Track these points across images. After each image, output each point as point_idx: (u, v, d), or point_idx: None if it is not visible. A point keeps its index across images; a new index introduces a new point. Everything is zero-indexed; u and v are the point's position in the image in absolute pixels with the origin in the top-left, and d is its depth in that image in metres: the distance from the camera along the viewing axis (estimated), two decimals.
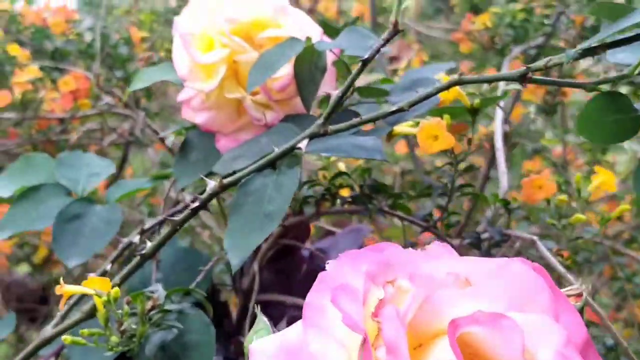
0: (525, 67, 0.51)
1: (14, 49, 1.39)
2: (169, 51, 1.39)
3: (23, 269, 1.86)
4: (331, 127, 0.57)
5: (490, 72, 1.44)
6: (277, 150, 0.58)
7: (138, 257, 0.61)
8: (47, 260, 1.82)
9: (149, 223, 0.72)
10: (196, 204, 0.59)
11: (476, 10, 2.52)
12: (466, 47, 1.34)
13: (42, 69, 1.31)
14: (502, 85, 0.84)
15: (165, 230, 0.62)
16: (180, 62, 0.68)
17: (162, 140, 0.87)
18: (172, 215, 0.71)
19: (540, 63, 0.50)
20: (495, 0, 1.90)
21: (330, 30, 0.77)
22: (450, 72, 0.79)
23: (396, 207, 0.72)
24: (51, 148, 1.52)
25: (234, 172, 0.59)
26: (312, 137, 0.57)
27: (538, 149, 1.18)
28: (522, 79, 0.52)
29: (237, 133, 0.71)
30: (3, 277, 2.00)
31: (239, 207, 0.57)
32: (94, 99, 1.39)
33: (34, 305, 1.96)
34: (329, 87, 0.72)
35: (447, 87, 0.53)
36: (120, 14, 1.76)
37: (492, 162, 0.86)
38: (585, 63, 1.20)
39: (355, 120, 0.56)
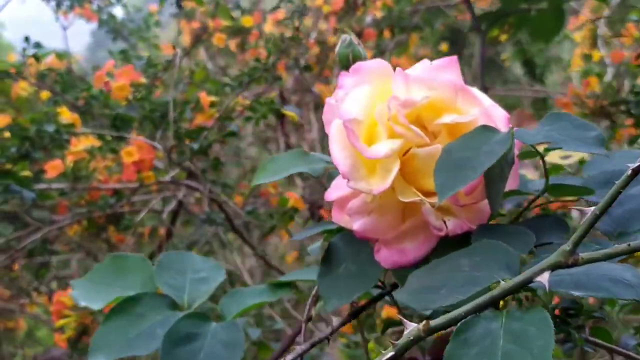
0: None
1: (64, 113, 1.27)
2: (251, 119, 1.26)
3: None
4: (583, 256, 0.43)
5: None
6: (504, 285, 0.43)
7: None
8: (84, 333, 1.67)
9: (289, 355, 0.57)
10: (390, 353, 0.44)
11: (530, 64, 2.41)
12: (570, 112, 1.21)
13: (101, 137, 1.18)
14: None
15: None
16: (341, 156, 0.54)
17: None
18: (317, 342, 0.56)
19: None
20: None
21: None
22: None
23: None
24: (101, 221, 1.38)
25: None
26: (554, 267, 0.43)
27: None
28: None
29: (401, 241, 0.57)
30: (38, 355, 1.83)
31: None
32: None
33: None
34: (513, 182, 0.58)
35: None
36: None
37: None
38: None
39: (620, 247, 0.42)
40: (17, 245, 1.20)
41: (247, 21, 1.65)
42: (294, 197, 1.26)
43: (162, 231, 1.75)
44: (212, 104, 1.19)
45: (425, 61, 0.58)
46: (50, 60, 1.77)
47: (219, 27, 1.64)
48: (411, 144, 0.54)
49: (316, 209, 1.47)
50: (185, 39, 2.99)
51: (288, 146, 1.80)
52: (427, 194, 0.54)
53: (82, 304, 0.68)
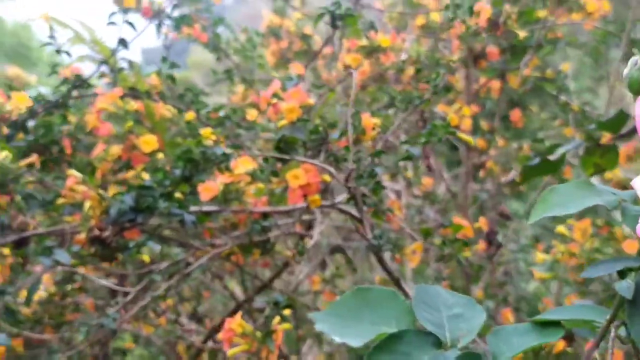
0: None
1: (208, 134, 1.26)
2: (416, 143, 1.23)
3: None
4: None
5: None
6: None
7: None
8: None
9: None
10: None
11: None
12: None
13: (265, 160, 1.15)
14: None
15: None
16: None
17: None
18: None
19: None
20: None
21: None
22: None
23: None
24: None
25: None
26: None
27: None
28: None
29: None
30: None
31: None
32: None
33: None
34: None
35: None
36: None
37: None
38: None
39: None
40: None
41: (384, 41, 1.63)
42: (464, 224, 1.22)
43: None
44: (374, 127, 1.16)
45: None
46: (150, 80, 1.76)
47: (353, 47, 1.61)
48: None
49: (493, 237, 1.43)
50: (270, 60, 2.98)
51: (429, 169, 1.77)
52: None
53: (338, 340, 0.65)
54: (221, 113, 1.52)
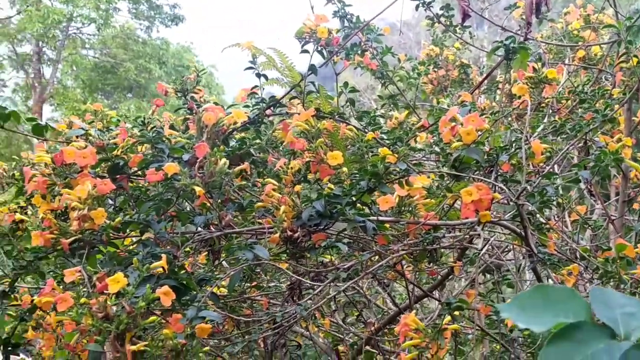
0: None
1: (385, 151, 1.39)
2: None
3: None
4: None
5: None
6: None
7: None
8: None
9: None
10: None
11: None
12: None
13: (441, 177, 1.28)
14: None
15: None
16: None
17: None
18: None
19: None
20: None
21: None
22: None
23: None
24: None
25: None
26: None
27: None
28: None
29: None
30: None
31: None
32: None
33: None
34: None
35: None
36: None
37: None
38: None
39: None
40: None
41: (551, 73, 1.71)
42: (628, 244, 1.29)
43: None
44: (543, 152, 1.26)
45: None
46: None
47: (522, 77, 1.71)
48: None
49: None
50: (428, 88, 3.12)
51: (591, 194, 1.84)
52: None
53: (522, 326, 0.76)
54: (383, 136, 1.67)
